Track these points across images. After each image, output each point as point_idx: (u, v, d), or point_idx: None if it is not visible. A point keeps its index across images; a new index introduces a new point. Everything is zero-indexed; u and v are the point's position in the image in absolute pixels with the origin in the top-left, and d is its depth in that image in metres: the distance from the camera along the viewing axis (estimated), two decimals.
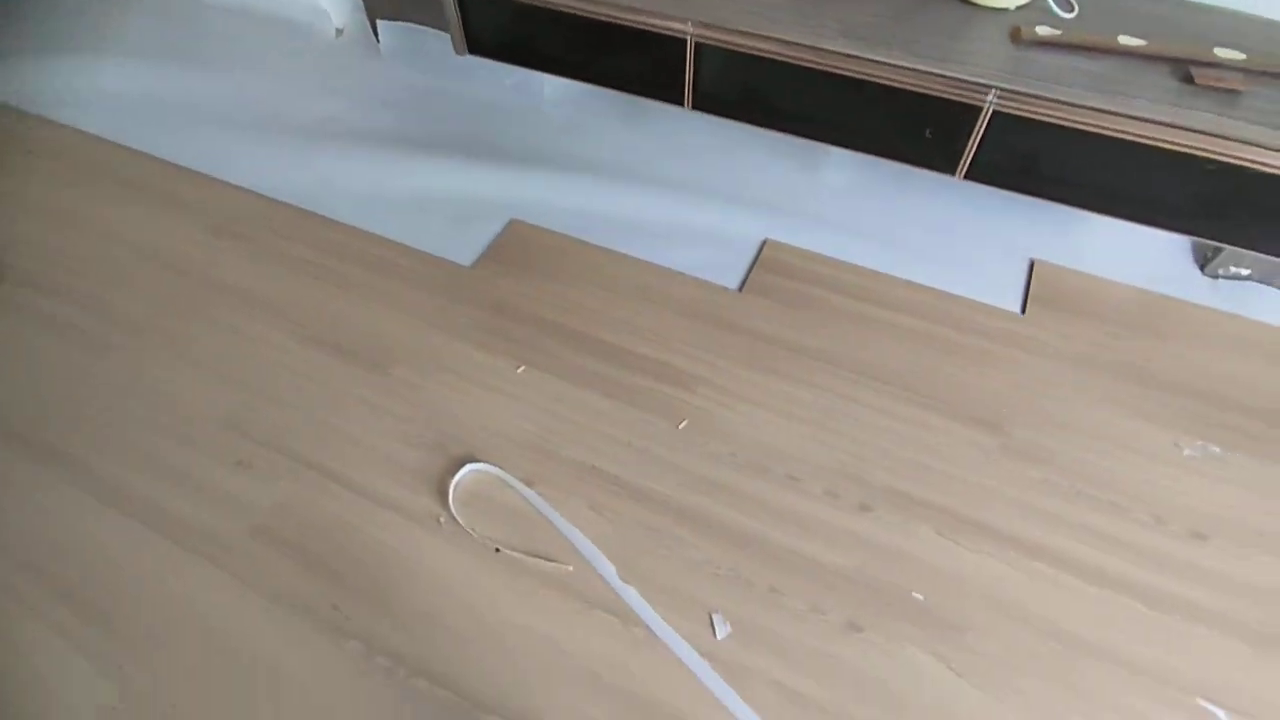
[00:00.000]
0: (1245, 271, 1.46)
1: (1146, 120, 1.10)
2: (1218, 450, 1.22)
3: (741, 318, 1.39)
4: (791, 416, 1.25)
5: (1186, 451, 1.22)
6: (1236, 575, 1.08)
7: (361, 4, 1.98)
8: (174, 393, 1.27)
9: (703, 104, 1.38)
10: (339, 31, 2.10)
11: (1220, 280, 1.48)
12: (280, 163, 1.68)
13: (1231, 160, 1.09)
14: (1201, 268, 1.50)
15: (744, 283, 1.46)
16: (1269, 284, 1.45)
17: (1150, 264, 1.51)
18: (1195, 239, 1.50)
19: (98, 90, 1.88)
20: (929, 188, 1.63)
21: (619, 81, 1.45)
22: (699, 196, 1.63)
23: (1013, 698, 0.96)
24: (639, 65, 1.40)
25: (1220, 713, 0.96)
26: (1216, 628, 1.03)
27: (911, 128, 1.24)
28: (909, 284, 1.45)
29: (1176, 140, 1.10)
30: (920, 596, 1.05)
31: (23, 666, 0.97)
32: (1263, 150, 1.07)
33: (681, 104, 1.39)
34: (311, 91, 1.91)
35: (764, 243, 1.53)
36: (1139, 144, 1.12)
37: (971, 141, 1.20)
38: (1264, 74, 1.14)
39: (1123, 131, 1.11)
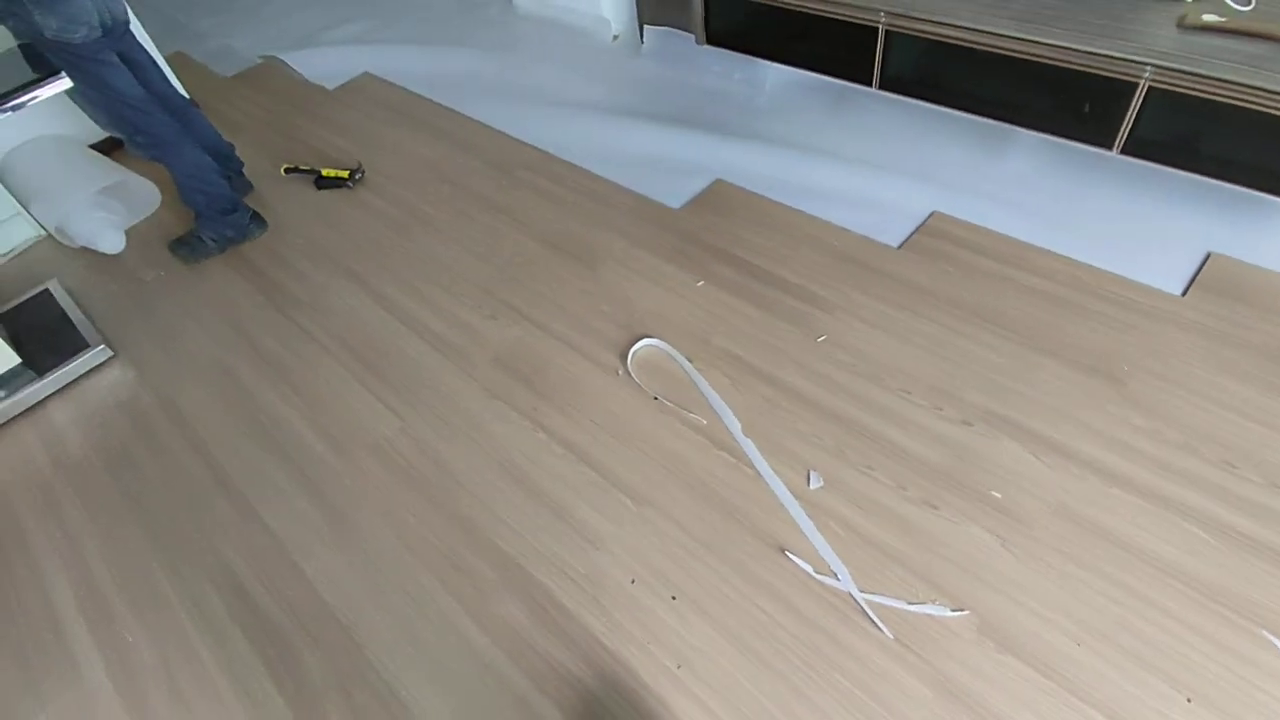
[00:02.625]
0: None
1: None
2: None
3: (892, 267, 1.60)
4: (914, 344, 1.44)
5: None
6: None
7: (635, 13, 2.48)
8: (448, 264, 1.80)
9: (889, 85, 1.63)
10: (615, 36, 2.62)
11: None
12: (547, 125, 2.21)
13: None
14: None
15: (903, 243, 1.66)
16: None
17: None
18: None
19: (442, 73, 2.58)
20: (1113, 179, 1.70)
21: (819, 64, 1.75)
22: (881, 172, 1.85)
23: (1049, 572, 1.10)
24: (837, 51, 1.68)
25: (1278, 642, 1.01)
26: None
27: (1072, 104, 1.39)
28: (1059, 256, 1.56)
29: None
30: (999, 495, 1.21)
31: (337, 398, 1.53)
32: None
33: (870, 84, 1.65)
34: (582, 79, 2.43)
35: (931, 213, 1.72)
36: None
37: (1128, 116, 1.32)
38: None
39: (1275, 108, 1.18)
